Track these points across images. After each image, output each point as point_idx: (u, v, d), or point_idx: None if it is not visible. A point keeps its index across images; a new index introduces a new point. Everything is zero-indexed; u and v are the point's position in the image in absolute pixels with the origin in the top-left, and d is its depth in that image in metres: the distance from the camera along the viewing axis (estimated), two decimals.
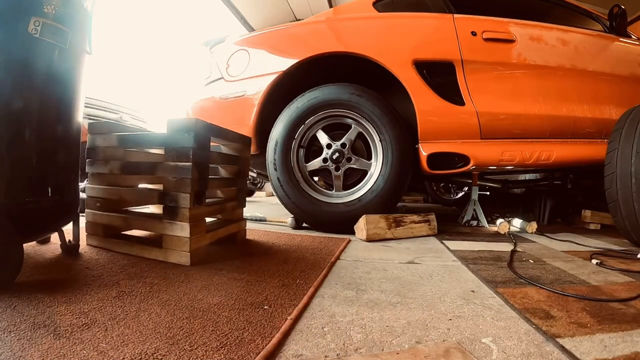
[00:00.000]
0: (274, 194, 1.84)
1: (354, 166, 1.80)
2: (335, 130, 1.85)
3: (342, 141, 1.79)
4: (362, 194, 1.75)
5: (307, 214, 1.77)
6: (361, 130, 1.80)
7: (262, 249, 1.32)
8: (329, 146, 1.80)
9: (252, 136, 1.85)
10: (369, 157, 1.82)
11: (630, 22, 3.67)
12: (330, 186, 1.87)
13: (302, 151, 1.85)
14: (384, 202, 1.72)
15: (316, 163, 1.82)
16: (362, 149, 1.86)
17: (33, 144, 0.86)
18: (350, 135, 1.79)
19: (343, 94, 1.75)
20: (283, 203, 1.81)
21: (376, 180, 1.74)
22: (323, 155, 1.81)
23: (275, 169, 1.79)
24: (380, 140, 1.74)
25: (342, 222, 1.73)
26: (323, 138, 1.81)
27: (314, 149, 1.89)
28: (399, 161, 1.72)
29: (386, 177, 1.72)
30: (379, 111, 1.73)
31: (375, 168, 1.78)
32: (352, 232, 1.69)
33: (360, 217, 1.62)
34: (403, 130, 1.75)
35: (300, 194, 1.77)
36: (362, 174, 1.83)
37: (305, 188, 1.81)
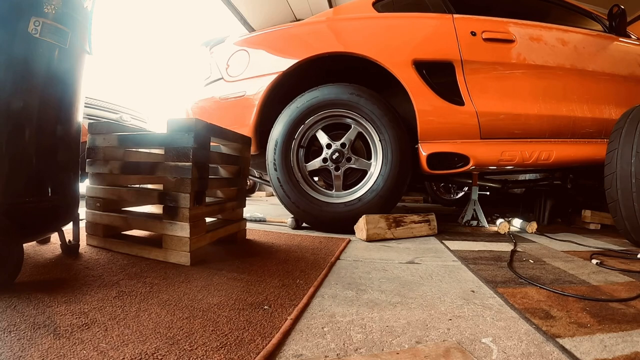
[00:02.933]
0: (274, 194, 1.84)
1: (354, 166, 1.80)
2: (335, 131, 1.85)
3: (341, 141, 1.79)
4: (362, 193, 1.75)
5: (307, 213, 1.77)
6: (361, 130, 1.80)
7: (262, 249, 1.32)
8: (328, 146, 1.80)
9: (252, 136, 1.85)
10: (369, 157, 1.82)
11: (630, 22, 3.67)
12: (330, 186, 1.87)
13: (302, 151, 1.85)
14: (384, 202, 1.72)
15: (316, 163, 1.82)
16: (361, 149, 1.86)
17: (33, 144, 0.86)
18: (350, 135, 1.80)
19: (343, 94, 1.75)
20: (283, 203, 1.81)
21: (376, 180, 1.74)
22: (323, 155, 1.81)
23: (275, 169, 1.80)
24: (380, 140, 1.74)
25: (342, 221, 1.73)
26: (323, 138, 1.81)
27: (313, 149, 1.89)
28: (399, 161, 1.72)
29: (386, 176, 1.72)
30: (378, 111, 1.73)
31: (375, 168, 1.78)
32: (352, 232, 1.69)
33: (360, 216, 1.62)
34: (403, 129, 1.75)
35: (300, 193, 1.78)
36: (362, 173, 1.83)
37: (305, 188, 1.81)
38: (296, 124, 1.79)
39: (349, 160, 1.79)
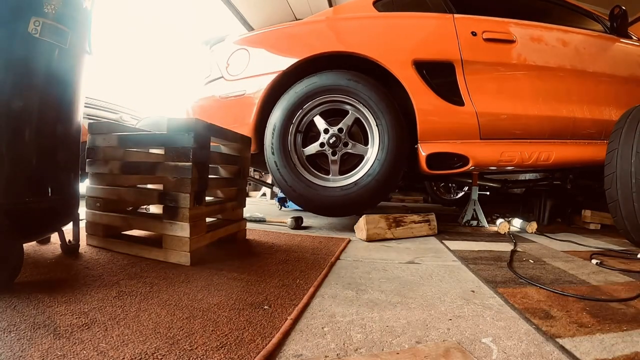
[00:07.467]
0: (272, 177, 1.85)
1: (351, 151, 1.80)
2: (333, 117, 1.85)
3: (339, 126, 1.79)
4: (358, 177, 1.75)
5: (303, 197, 1.77)
6: (358, 115, 1.80)
7: (262, 249, 1.32)
8: (326, 131, 1.80)
9: (252, 135, 1.86)
10: (366, 143, 1.83)
11: (631, 22, 3.67)
12: (327, 171, 1.88)
13: (299, 136, 1.85)
14: (380, 186, 1.72)
15: (313, 148, 1.82)
16: (358, 134, 1.87)
17: (33, 144, 0.86)
18: (347, 120, 1.80)
19: (341, 80, 1.75)
20: (280, 187, 1.83)
21: (372, 165, 1.74)
22: (320, 140, 1.81)
23: (273, 153, 1.80)
24: (377, 125, 1.75)
25: (338, 206, 1.74)
26: (320, 123, 1.81)
27: (311, 134, 1.89)
28: (395, 146, 1.72)
29: (382, 161, 1.72)
30: (375, 96, 1.73)
31: (372, 153, 1.77)
32: (349, 216, 1.69)
33: (357, 201, 1.63)
34: (399, 116, 1.75)
35: (297, 177, 1.78)
36: (359, 159, 1.83)
37: (302, 172, 1.81)
38: (294, 109, 1.80)
39: (345, 145, 1.79)
